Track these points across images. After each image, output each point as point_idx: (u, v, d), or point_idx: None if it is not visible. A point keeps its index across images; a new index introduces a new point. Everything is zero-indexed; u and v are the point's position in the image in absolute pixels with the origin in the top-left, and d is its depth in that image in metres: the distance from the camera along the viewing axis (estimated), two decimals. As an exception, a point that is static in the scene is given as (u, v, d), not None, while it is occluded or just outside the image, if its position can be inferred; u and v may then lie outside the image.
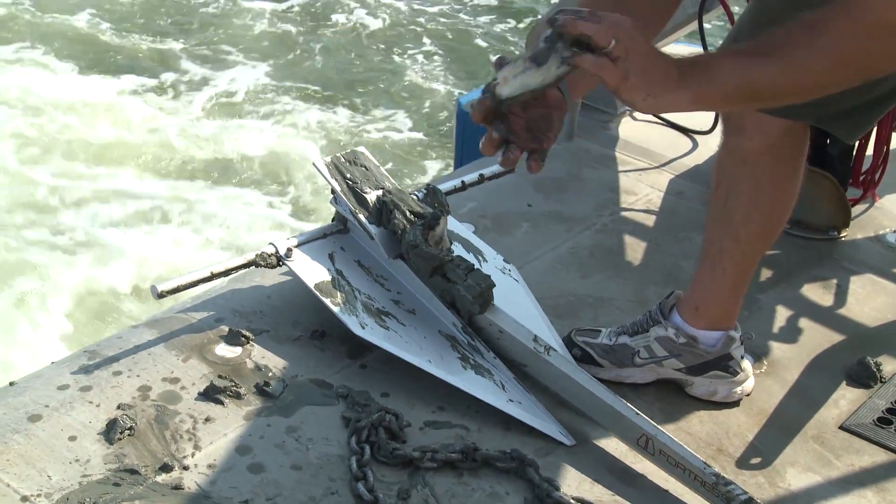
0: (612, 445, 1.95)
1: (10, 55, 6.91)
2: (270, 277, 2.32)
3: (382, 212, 2.19)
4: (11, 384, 1.97)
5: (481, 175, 2.57)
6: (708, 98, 1.42)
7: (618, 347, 2.11)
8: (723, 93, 1.40)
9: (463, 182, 2.53)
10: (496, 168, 2.61)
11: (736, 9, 2.99)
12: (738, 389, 2.10)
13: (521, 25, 7.90)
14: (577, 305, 2.39)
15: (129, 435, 1.83)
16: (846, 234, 2.80)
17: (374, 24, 7.69)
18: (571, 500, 1.78)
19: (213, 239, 5.14)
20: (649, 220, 2.80)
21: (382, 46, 7.38)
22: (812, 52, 1.37)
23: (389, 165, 5.77)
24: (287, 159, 5.90)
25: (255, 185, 5.69)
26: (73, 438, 1.81)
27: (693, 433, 2.02)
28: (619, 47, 1.31)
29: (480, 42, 7.61)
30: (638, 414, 1.89)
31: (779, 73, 1.38)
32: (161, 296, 2.03)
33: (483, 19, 8.05)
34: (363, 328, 2.06)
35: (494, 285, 2.10)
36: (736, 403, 2.10)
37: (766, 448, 2.01)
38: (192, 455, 1.81)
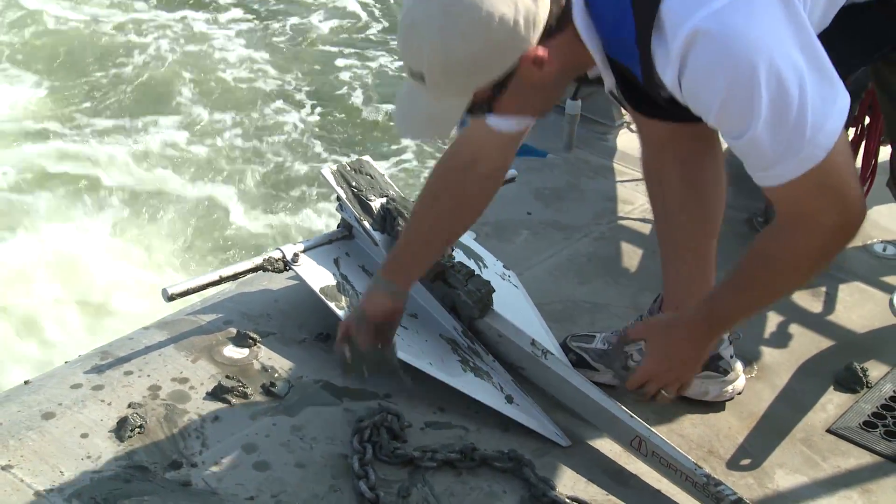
0: (607, 447, 2.00)
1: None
2: (278, 282, 2.36)
3: (386, 219, 2.25)
4: (26, 383, 2.02)
5: (482, 184, 2.62)
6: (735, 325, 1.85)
7: (612, 351, 2.15)
8: (740, 317, 1.73)
9: (464, 190, 2.57)
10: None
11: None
12: (730, 388, 2.14)
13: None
14: (574, 311, 2.45)
15: (139, 433, 1.88)
16: (836, 244, 2.84)
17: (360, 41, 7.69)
18: (566, 500, 1.83)
19: (223, 243, 5.15)
20: (645, 229, 2.85)
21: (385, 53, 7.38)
22: (774, 280, 1.62)
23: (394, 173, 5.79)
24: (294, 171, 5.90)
25: (266, 190, 5.69)
26: (85, 436, 1.86)
27: (685, 435, 2.07)
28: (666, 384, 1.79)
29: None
30: (631, 416, 1.94)
31: (761, 293, 1.67)
32: (171, 298, 2.08)
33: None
34: (366, 331, 2.10)
35: (494, 291, 2.15)
36: (727, 406, 2.15)
37: (755, 450, 2.06)
38: (200, 453, 1.86)
